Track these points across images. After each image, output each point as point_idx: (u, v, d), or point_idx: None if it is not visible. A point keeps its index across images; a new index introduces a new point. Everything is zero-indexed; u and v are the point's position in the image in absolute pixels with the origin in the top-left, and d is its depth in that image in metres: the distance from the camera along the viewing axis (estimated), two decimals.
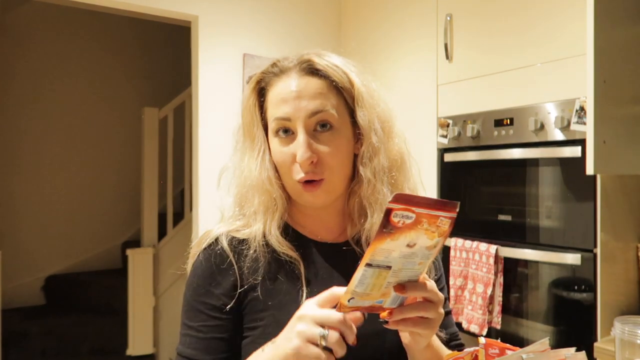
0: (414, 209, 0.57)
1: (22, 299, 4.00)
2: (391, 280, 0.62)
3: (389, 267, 0.61)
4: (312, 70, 0.78)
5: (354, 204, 0.81)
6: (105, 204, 4.47)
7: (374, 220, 0.79)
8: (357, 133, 0.80)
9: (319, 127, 0.76)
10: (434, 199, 0.59)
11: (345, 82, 0.79)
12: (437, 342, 0.78)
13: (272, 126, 0.78)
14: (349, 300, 0.62)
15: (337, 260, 0.81)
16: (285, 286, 0.77)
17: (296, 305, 0.75)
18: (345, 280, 0.79)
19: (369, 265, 0.59)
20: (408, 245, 0.60)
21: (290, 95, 0.76)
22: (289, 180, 0.77)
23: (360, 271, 0.60)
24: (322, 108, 0.75)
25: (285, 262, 0.78)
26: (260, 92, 0.82)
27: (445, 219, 0.60)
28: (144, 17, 2.81)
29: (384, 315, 0.65)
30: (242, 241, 0.79)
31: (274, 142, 0.78)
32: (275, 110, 0.77)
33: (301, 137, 0.74)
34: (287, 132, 0.76)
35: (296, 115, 0.75)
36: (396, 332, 0.76)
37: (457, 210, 0.61)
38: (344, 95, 0.79)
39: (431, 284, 0.66)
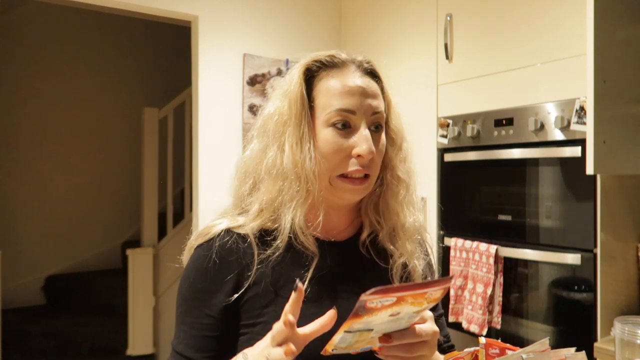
0: (392, 294, 0.56)
1: (22, 299, 4.01)
2: (376, 335, 0.61)
3: (371, 330, 0.60)
4: (370, 71, 0.81)
5: (376, 204, 0.83)
6: (105, 203, 4.48)
7: (408, 218, 0.83)
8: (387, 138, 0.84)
9: (373, 126, 0.78)
10: (419, 282, 0.58)
11: (386, 88, 0.83)
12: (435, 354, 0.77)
13: (328, 116, 0.76)
14: (332, 349, 0.62)
15: (341, 258, 0.82)
16: (289, 283, 0.76)
17: None
18: (347, 279, 0.80)
19: (347, 332, 0.59)
20: (391, 315, 0.58)
21: (357, 89, 0.77)
22: (331, 172, 0.77)
23: (339, 334, 0.59)
24: (381, 109, 0.79)
25: (297, 257, 0.77)
26: (307, 81, 0.80)
27: (435, 292, 0.59)
28: (144, 17, 2.81)
29: (374, 348, 0.65)
30: (244, 236, 0.78)
31: (326, 132, 0.76)
32: (337, 101, 0.76)
33: (366, 131, 0.76)
34: (342, 125, 0.76)
35: (361, 110, 0.76)
36: None
37: (452, 282, 0.59)
38: (385, 101, 0.82)
39: (420, 327, 0.64)
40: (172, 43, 4.45)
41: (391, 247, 0.83)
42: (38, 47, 4.20)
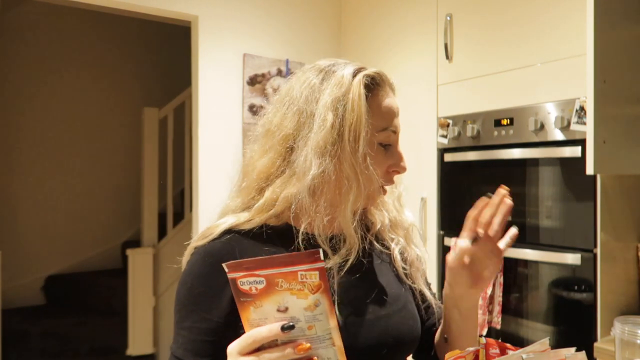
0: (257, 272, 0.56)
1: (22, 299, 4.00)
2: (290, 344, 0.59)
3: (275, 340, 0.58)
4: (394, 91, 0.86)
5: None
6: (105, 204, 4.48)
7: (400, 213, 0.92)
8: None
9: None
10: (280, 255, 0.56)
11: None
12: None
13: (381, 136, 0.80)
14: None
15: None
16: None
17: None
18: (357, 268, 0.83)
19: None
20: (279, 311, 0.57)
21: (397, 110, 0.83)
22: (376, 184, 0.80)
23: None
24: None
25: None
26: None
27: (308, 272, 0.56)
28: (144, 17, 2.81)
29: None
30: (247, 232, 0.78)
31: (376, 149, 0.80)
32: (386, 121, 0.81)
33: (401, 150, 0.84)
34: (388, 144, 0.82)
35: (398, 130, 0.84)
36: (402, 316, 0.82)
37: (321, 257, 0.57)
38: None
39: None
40: (172, 43, 4.45)
41: (389, 236, 0.90)
42: (38, 47, 4.20)
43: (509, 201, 0.75)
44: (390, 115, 0.81)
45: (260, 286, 0.56)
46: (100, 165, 4.48)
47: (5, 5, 3.94)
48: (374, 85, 0.81)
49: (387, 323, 0.80)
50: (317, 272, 0.56)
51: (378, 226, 0.90)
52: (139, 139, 3.92)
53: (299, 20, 2.65)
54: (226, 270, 0.57)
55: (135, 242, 3.91)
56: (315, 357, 0.59)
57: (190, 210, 3.06)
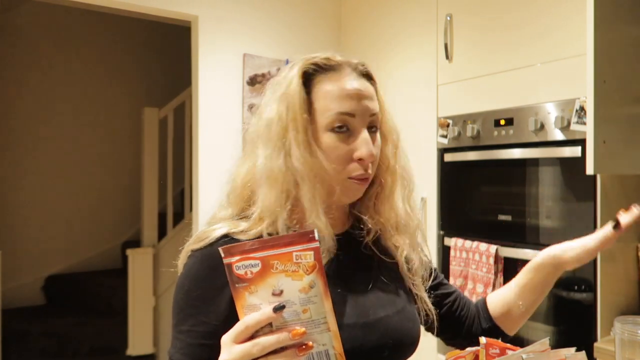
0: (253, 255, 0.55)
1: (22, 299, 4.00)
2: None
3: (270, 326, 0.57)
4: (365, 73, 0.82)
5: (375, 203, 0.85)
6: (105, 204, 4.48)
7: (406, 214, 0.85)
8: None
9: (370, 128, 0.79)
10: (275, 237, 0.56)
11: (379, 90, 0.84)
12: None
13: (328, 120, 0.76)
14: None
15: (345, 250, 0.81)
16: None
17: None
18: (357, 271, 0.83)
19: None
20: (274, 294, 0.56)
21: (354, 92, 0.78)
22: (336, 175, 0.77)
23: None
24: (377, 110, 0.80)
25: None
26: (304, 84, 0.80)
27: (303, 252, 0.56)
28: (144, 17, 2.81)
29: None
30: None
31: (327, 137, 0.77)
32: (337, 104, 0.77)
33: (365, 134, 0.77)
34: (342, 128, 0.77)
35: (360, 112, 0.78)
36: (401, 318, 0.81)
37: (316, 237, 0.56)
38: (378, 102, 0.83)
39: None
40: (172, 43, 4.44)
41: (393, 243, 0.86)
42: (38, 47, 4.20)
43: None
44: (343, 97, 0.77)
45: (255, 269, 0.56)
46: (100, 165, 4.48)
47: (5, 5, 3.94)
48: (318, 71, 0.79)
49: (387, 325, 0.79)
50: (311, 252, 0.56)
51: (378, 228, 0.86)
52: (139, 139, 3.92)
53: (299, 20, 2.65)
54: (222, 255, 0.56)
55: (135, 242, 3.90)
56: (311, 342, 0.57)
57: (190, 210, 3.06)
